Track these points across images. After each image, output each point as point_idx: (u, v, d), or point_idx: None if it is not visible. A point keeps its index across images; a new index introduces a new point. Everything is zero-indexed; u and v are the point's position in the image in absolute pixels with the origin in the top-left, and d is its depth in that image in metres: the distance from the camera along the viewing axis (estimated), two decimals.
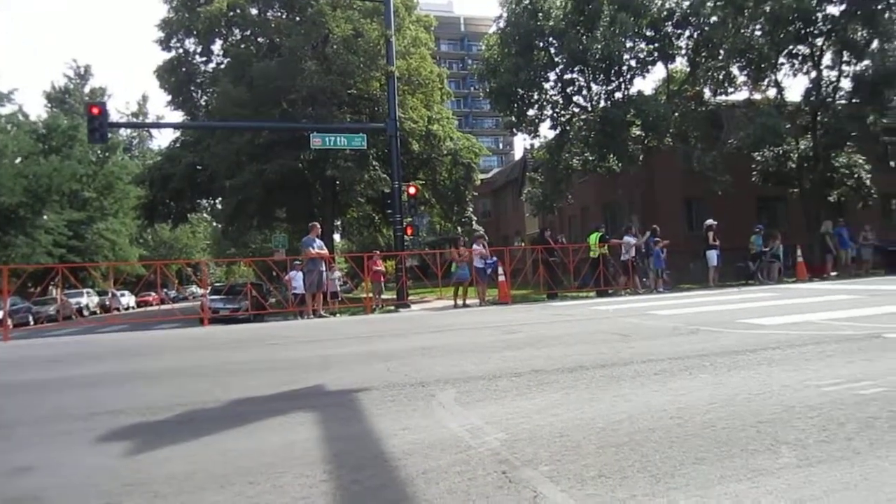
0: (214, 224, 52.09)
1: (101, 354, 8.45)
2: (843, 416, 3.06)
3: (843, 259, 20.47)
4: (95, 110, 17.77)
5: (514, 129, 27.41)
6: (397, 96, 20.54)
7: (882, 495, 2.14)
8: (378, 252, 20.85)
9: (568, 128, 25.57)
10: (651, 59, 24.35)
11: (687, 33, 24.21)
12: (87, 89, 55.04)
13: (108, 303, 37.61)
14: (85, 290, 36.29)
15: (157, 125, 43.68)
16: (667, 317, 8.60)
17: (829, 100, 23.83)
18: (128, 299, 43.91)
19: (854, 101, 23.76)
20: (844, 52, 23.53)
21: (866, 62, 23.10)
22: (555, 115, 25.84)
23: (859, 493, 2.17)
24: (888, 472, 2.33)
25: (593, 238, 17.78)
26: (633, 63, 24.03)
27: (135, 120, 55.70)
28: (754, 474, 2.38)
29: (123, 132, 56.69)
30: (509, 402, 3.81)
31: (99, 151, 48.50)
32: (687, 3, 23.32)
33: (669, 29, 23.85)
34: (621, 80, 24.06)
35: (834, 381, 3.81)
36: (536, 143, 28.85)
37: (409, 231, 19.78)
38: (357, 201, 29.35)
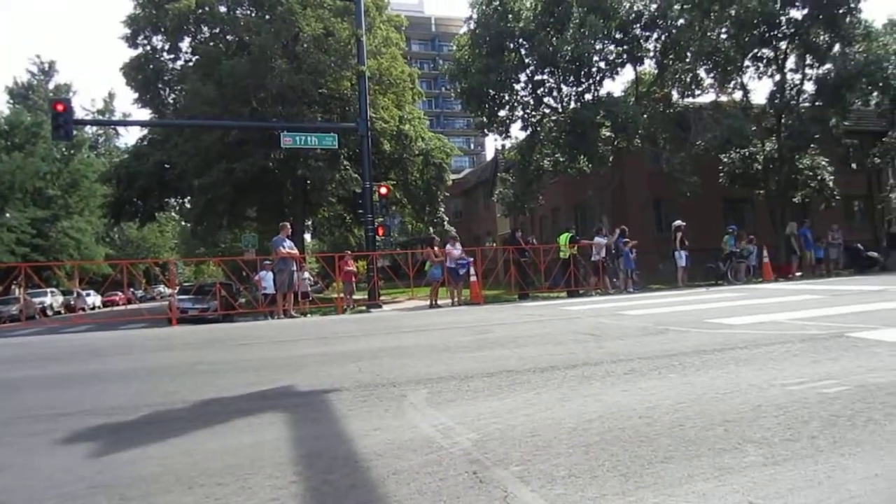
0: (183, 223, 51.36)
1: (66, 355, 8.27)
2: (808, 414, 3.12)
3: (807, 259, 20.92)
4: (60, 107, 17.43)
5: (486, 130, 27.47)
6: (368, 96, 20.44)
7: (845, 492, 2.18)
8: (349, 252, 20.74)
9: (539, 129, 25.69)
10: (620, 61, 24.59)
11: (655, 36, 24.53)
12: (51, 85, 53.84)
13: (73, 302, 36.84)
14: (49, 290, 35.43)
15: (124, 123, 42.95)
16: (637, 317, 8.69)
17: (793, 102, 24.34)
18: (93, 299, 43.06)
19: (817, 103, 24.31)
20: (807, 56, 24.08)
21: (828, 66, 23.66)
22: (525, 115, 25.95)
23: (822, 491, 2.21)
24: (850, 470, 2.38)
25: (564, 239, 17.91)
26: (602, 65, 24.24)
27: (101, 117, 54.58)
28: (721, 473, 2.41)
29: (89, 130, 55.61)
30: (481, 402, 3.81)
31: (64, 149, 47.47)
32: (655, 6, 23.61)
33: (638, 31, 24.12)
34: (591, 81, 24.24)
35: (799, 380, 3.88)
36: (507, 143, 28.99)
37: (380, 231, 19.72)
38: (328, 201, 29.17)
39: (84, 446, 3.30)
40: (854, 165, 31.12)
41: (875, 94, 25.07)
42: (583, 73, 23.63)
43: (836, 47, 23.60)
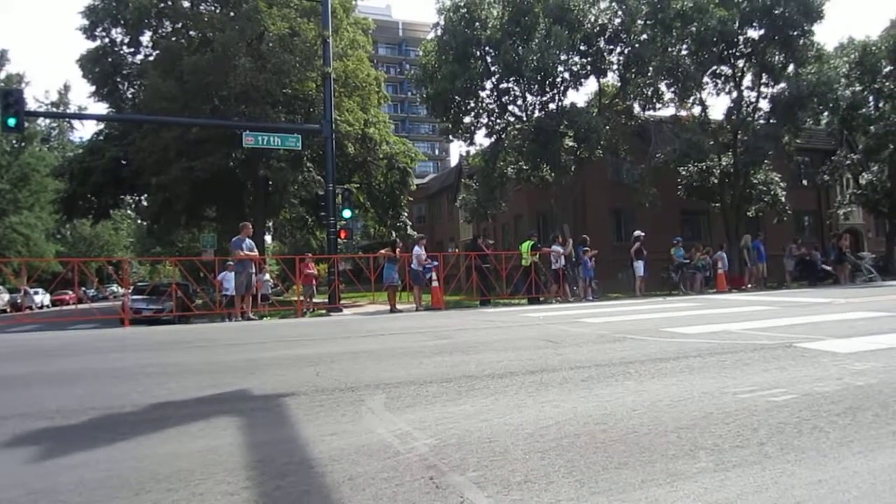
0: (139, 221, 50.19)
1: (10, 355, 7.98)
2: (757, 422, 3.19)
3: (759, 271, 21.51)
4: (10, 97, 16.87)
5: (450, 136, 27.60)
6: (333, 98, 20.29)
7: (791, 497, 2.24)
8: (310, 255, 20.55)
9: (503, 136, 25.90)
10: (584, 72, 24.96)
11: (618, 49, 24.99)
12: (2, 75, 52.09)
13: (19, 301, 35.55)
14: None
15: (80, 116, 41.49)
16: (595, 325, 8.78)
17: (749, 119, 25.07)
18: (42, 298, 41.69)
19: (771, 121, 25.09)
20: (763, 75, 24.85)
21: (782, 85, 24.46)
22: (490, 123, 26.14)
23: (770, 496, 2.26)
24: (796, 476, 2.44)
25: (525, 246, 18.07)
26: (566, 75, 24.58)
27: (54, 110, 52.93)
28: (673, 478, 2.45)
29: (42, 122, 53.92)
30: (439, 407, 3.80)
31: (14, 141, 46.02)
32: (619, 21, 24.05)
33: (602, 44, 24.54)
34: (555, 91, 24.55)
35: (749, 389, 3.97)
36: (472, 150, 29.16)
37: (342, 234, 19.55)
38: (290, 202, 28.83)
39: (25, 451, 3.18)
40: (805, 182, 32.16)
41: (825, 113, 26.05)
42: (547, 82, 23.90)
43: (790, 68, 24.42)
